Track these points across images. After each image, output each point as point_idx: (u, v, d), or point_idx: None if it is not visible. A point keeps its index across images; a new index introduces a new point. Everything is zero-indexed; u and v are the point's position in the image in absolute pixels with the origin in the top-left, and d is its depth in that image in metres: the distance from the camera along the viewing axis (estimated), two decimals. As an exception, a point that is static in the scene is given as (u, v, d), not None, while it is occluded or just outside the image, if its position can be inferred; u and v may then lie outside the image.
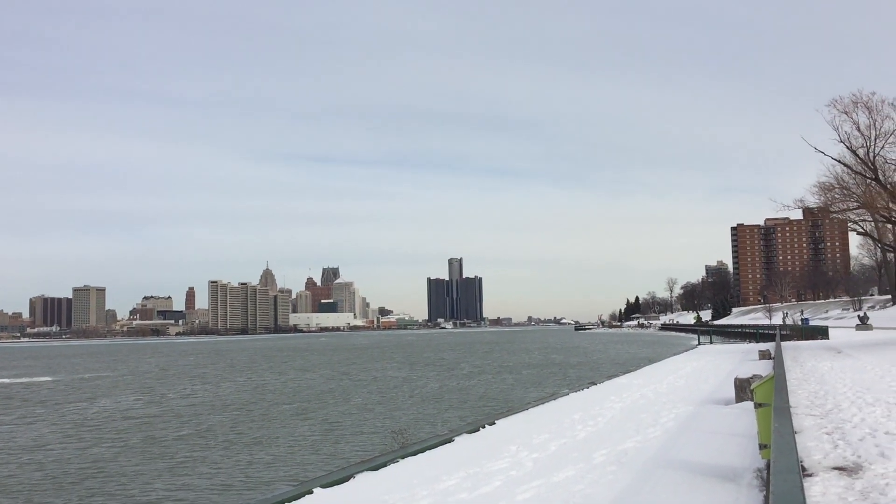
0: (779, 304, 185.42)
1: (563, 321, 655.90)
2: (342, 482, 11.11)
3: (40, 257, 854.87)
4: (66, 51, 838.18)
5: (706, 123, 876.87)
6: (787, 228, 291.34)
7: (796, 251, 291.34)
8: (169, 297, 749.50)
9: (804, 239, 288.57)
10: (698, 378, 29.41)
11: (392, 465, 12.40)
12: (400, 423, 27.65)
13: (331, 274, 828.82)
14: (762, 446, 10.56)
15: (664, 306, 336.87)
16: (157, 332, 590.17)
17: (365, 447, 23.43)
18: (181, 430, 29.50)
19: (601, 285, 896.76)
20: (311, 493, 10.39)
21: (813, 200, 45.52)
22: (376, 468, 12.05)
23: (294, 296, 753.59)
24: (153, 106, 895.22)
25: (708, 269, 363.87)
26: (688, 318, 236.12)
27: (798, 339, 58.93)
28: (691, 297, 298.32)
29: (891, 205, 40.26)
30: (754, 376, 19.50)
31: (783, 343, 47.24)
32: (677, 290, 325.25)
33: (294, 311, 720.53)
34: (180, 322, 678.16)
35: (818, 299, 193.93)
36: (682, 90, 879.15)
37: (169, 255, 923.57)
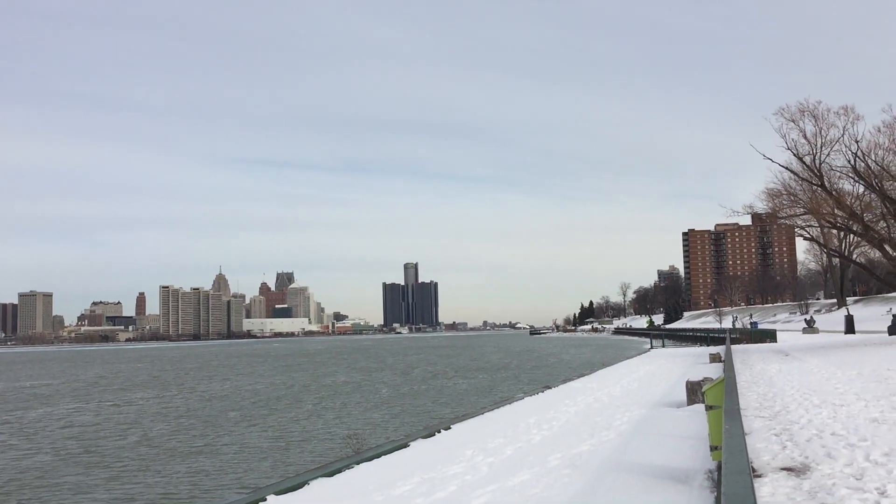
0: (729, 308, 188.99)
1: (519, 326, 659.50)
2: (296, 489, 10.98)
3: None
4: (12, 52, 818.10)
5: (659, 131, 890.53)
6: (737, 234, 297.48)
7: (745, 256, 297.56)
8: (119, 303, 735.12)
9: (753, 244, 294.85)
10: (651, 381, 29.78)
11: (347, 470, 12.30)
12: (353, 428, 27.39)
13: (285, 279, 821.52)
14: (713, 448, 10.72)
15: (618, 311, 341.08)
16: (106, 338, 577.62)
17: (318, 453, 23.14)
18: (124, 440, 28.45)
19: (556, 290, 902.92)
20: (265, 500, 10.25)
21: (761, 206, 46.55)
22: (331, 474, 11.94)
23: (248, 301, 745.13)
24: (103, 110, 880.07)
25: (660, 273, 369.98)
26: (641, 322, 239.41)
27: (747, 343, 60.08)
28: (644, 301, 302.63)
29: (836, 211, 41.29)
30: (705, 379, 19.81)
31: (733, 346, 48.09)
32: (630, 295, 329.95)
33: (248, 316, 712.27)
34: (130, 328, 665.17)
35: (766, 303, 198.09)
36: (635, 98, 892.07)
37: (119, 260, 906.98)
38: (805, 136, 40.17)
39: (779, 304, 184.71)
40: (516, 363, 78.94)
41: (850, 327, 63.31)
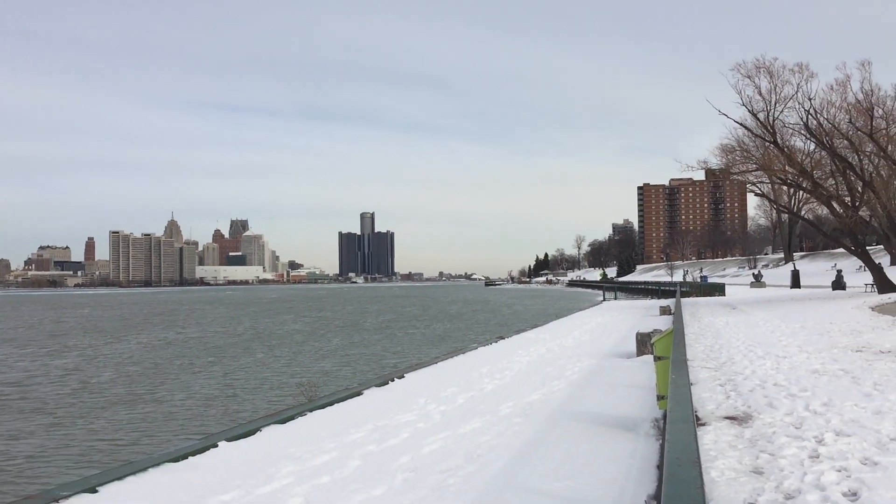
0: (680, 262, 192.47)
1: (474, 277, 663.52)
2: (248, 435, 10.96)
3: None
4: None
5: (618, 85, 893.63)
6: (690, 189, 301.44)
7: (698, 211, 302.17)
8: (67, 248, 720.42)
9: (706, 199, 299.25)
10: (602, 333, 30.27)
11: (300, 417, 12.31)
12: (305, 377, 27.37)
13: (239, 226, 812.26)
14: (660, 397, 10.97)
15: (572, 263, 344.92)
16: (54, 283, 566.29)
17: (269, 401, 23.08)
18: (63, 387, 27.54)
19: (512, 242, 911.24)
20: (216, 446, 10.21)
21: (715, 162, 47.09)
22: (283, 421, 11.94)
23: (201, 248, 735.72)
24: (50, 47, 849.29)
25: (615, 227, 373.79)
26: (594, 274, 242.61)
27: (697, 296, 61.31)
28: (598, 254, 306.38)
29: (787, 168, 41.99)
30: (655, 331, 20.19)
31: (683, 299, 49.03)
32: (585, 248, 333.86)
33: (201, 263, 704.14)
34: (79, 273, 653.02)
35: (717, 258, 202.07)
36: (594, 52, 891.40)
37: (67, 203, 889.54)
38: (760, 93, 40.54)
39: (729, 258, 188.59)
40: (470, 314, 79.59)
41: (795, 282, 65.02)
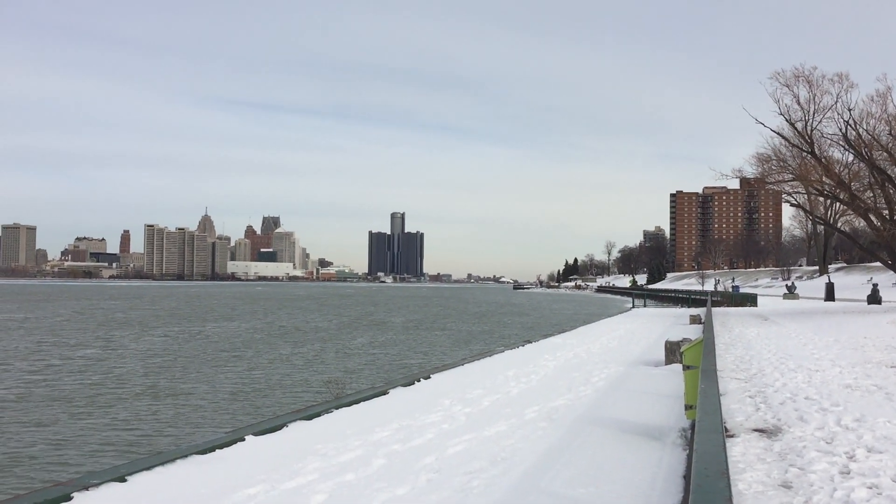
0: (711, 271, 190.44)
1: (503, 280, 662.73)
2: (274, 430, 11.05)
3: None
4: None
5: (651, 91, 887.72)
6: (724, 197, 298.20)
7: (731, 220, 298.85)
8: (103, 240, 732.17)
9: (739, 208, 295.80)
10: (630, 340, 30.05)
11: (326, 414, 12.38)
12: (332, 375, 27.51)
13: (271, 223, 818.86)
14: (688, 407, 10.85)
15: (601, 269, 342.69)
16: (89, 274, 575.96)
17: (296, 397, 23.25)
18: (89, 378, 27.56)
19: (541, 246, 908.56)
20: (244, 440, 10.31)
21: (750, 171, 46.51)
22: (309, 418, 12.01)
23: (233, 243, 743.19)
24: (92, 43, 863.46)
25: (646, 234, 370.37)
26: (624, 281, 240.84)
27: (728, 306, 60.58)
28: (628, 260, 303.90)
29: (824, 178, 41.36)
30: (684, 340, 20.00)
31: (714, 309, 48.51)
32: (615, 254, 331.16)
33: (233, 258, 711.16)
34: (114, 265, 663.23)
35: (749, 268, 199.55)
36: (628, 58, 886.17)
37: (104, 196, 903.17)
38: (798, 102, 40.00)
39: (761, 269, 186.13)
40: (498, 317, 79.47)
41: (830, 295, 63.93)
